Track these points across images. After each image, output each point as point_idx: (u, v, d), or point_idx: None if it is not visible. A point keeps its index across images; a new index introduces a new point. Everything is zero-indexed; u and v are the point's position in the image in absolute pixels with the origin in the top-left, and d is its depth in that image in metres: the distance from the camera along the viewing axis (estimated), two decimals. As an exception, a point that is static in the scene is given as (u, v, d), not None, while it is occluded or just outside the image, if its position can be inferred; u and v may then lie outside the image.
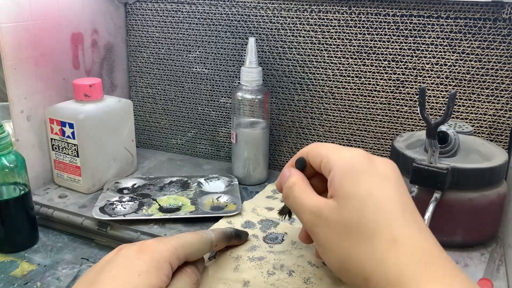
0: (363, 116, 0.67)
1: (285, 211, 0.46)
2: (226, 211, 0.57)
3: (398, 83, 0.64)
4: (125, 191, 0.64)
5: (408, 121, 0.65)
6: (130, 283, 0.33)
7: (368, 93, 0.66)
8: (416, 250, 0.31)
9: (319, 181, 0.41)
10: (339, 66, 0.66)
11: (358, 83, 0.66)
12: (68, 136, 0.62)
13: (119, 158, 0.68)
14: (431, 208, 0.47)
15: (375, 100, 0.66)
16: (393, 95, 0.65)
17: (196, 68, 0.75)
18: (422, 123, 0.64)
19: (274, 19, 0.68)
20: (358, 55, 0.65)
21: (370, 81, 0.65)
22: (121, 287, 0.33)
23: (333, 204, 0.35)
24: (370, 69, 0.65)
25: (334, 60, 0.66)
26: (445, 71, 0.61)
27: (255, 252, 0.46)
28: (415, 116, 0.64)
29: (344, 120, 0.68)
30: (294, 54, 0.68)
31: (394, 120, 0.66)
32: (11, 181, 0.54)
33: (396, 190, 0.35)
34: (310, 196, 0.37)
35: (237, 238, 0.46)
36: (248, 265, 0.44)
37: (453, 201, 0.49)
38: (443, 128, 0.52)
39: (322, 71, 0.67)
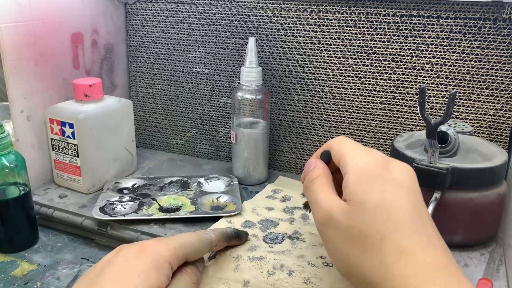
0: (363, 116, 0.67)
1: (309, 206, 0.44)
2: (226, 211, 0.57)
3: (398, 83, 0.64)
4: (125, 191, 0.64)
5: (408, 121, 0.65)
6: (130, 284, 0.33)
7: (368, 93, 0.66)
8: (422, 260, 0.31)
9: (341, 176, 0.40)
10: (339, 66, 0.66)
11: (358, 83, 0.66)
12: (68, 136, 0.62)
13: (119, 158, 0.68)
14: (431, 208, 0.47)
15: (375, 100, 0.66)
16: (393, 95, 0.65)
17: (196, 68, 0.75)
18: (422, 123, 0.64)
19: (274, 19, 0.68)
20: (358, 55, 0.65)
21: (370, 81, 0.65)
22: None
23: (345, 208, 0.35)
24: (370, 69, 0.65)
25: (334, 60, 0.66)
26: (445, 71, 0.61)
27: (255, 252, 0.46)
28: (415, 116, 0.64)
29: (344, 120, 0.68)
30: (294, 54, 0.68)
31: (394, 120, 0.66)
32: (11, 181, 0.54)
33: (409, 199, 0.34)
34: (326, 193, 0.37)
35: (237, 238, 0.46)
36: (248, 265, 0.44)
37: (453, 201, 0.49)
38: (443, 128, 0.52)
39: (322, 71, 0.67)
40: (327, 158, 0.41)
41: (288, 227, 0.52)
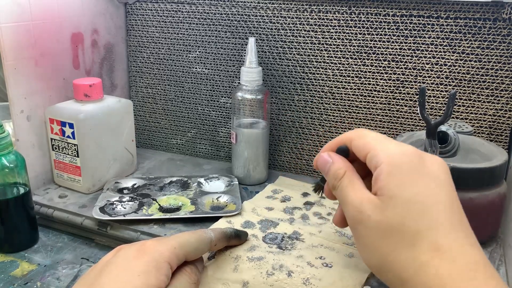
0: (363, 116, 0.67)
1: (320, 187, 0.44)
2: (226, 211, 0.57)
3: (398, 83, 0.64)
4: (125, 191, 0.64)
5: (408, 121, 0.65)
6: (130, 284, 0.33)
7: (368, 93, 0.66)
8: (459, 261, 0.30)
9: (359, 167, 0.38)
10: (339, 66, 0.66)
11: (358, 83, 0.66)
12: (68, 136, 0.62)
13: (119, 158, 0.68)
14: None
15: (375, 100, 0.66)
16: (393, 95, 0.65)
17: (196, 68, 0.75)
18: (422, 123, 0.64)
19: (274, 19, 0.68)
20: (358, 55, 0.65)
21: (370, 81, 0.65)
22: None
23: (377, 202, 0.33)
24: (370, 69, 0.65)
25: (334, 60, 0.66)
26: (445, 71, 0.61)
27: (254, 252, 0.46)
28: (415, 116, 0.64)
29: (344, 120, 0.68)
30: (294, 54, 0.68)
31: (394, 120, 0.66)
32: (11, 181, 0.55)
33: (444, 193, 0.33)
34: (356, 189, 0.36)
35: (237, 238, 0.46)
36: (248, 266, 0.44)
37: (453, 201, 0.49)
38: (443, 128, 0.52)
39: (322, 71, 0.67)
40: (345, 154, 0.39)
41: (288, 227, 0.52)
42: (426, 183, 0.33)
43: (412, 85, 0.63)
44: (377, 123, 0.67)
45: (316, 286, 0.42)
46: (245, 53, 0.67)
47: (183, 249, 0.38)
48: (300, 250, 0.47)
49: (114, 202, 0.60)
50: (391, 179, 0.33)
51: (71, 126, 0.61)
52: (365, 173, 0.38)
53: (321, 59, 0.67)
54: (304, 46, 0.67)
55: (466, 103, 0.61)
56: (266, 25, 0.69)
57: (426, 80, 0.62)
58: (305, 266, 0.44)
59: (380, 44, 0.63)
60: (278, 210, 0.58)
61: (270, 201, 0.61)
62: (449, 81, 0.61)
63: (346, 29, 0.64)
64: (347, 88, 0.67)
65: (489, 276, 0.30)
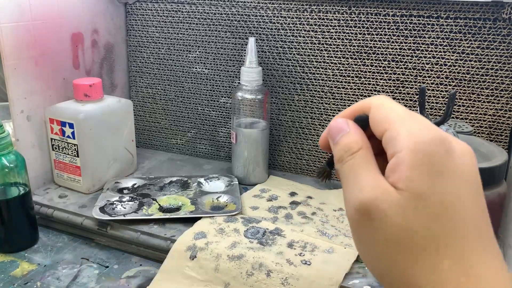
0: (363, 116, 0.67)
1: (325, 174, 0.37)
2: (226, 211, 0.57)
3: (398, 83, 0.64)
4: (125, 191, 0.64)
5: (408, 121, 0.65)
6: None
7: (368, 93, 0.66)
8: (489, 280, 0.25)
9: (372, 144, 0.30)
10: (339, 66, 0.66)
11: (358, 83, 0.66)
12: (68, 136, 0.62)
13: (119, 158, 0.68)
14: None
15: (375, 100, 0.66)
16: (393, 95, 0.65)
17: (196, 68, 0.75)
18: (422, 123, 0.64)
19: (274, 19, 0.68)
20: (358, 55, 0.65)
21: (370, 81, 0.65)
22: None
23: (398, 198, 0.26)
24: (370, 69, 0.65)
25: (334, 60, 0.66)
26: (445, 71, 0.61)
27: (235, 250, 0.46)
28: (415, 116, 0.64)
29: (344, 120, 0.68)
30: (294, 54, 0.68)
31: (394, 120, 0.66)
32: (11, 181, 0.55)
33: (472, 195, 0.27)
34: (370, 173, 0.28)
35: None
36: (228, 265, 0.45)
37: (453, 201, 0.49)
38: (443, 128, 0.52)
39: (322, 71, 0.67)
40: (364, 124, 0.30)
41: (270, 225, 0.53)
42: (455, 182, 0.26)
43: (412, 85, 0.63)
44: (377, 123, 0.66)
45: (294, 286, 0.42)
46: (245, 53, 0.67)
47: None
48: (280, 246, 0.47)
49: (114, 202, 0.60)
50: (417, 173, 0.26)
51: (71, 126, 0.61)
52: (377, 152, 0.30)
53: (321, 59, 0.67)
54: (304, 46, 0.67)
55: (466, 103, 0.61)
56: (266, 25, 0.69)
57: (426, 80, 0.62)
58: (284, 264, 0.44)
59: (380, 44, 0.63)
60: (262, 209, 0.58)
61: (257, 200, 0.61)
62: (449, 81, 0.61)
63: (346, 29, 0.64)
64: (347, 88, 0.67)
65: None
